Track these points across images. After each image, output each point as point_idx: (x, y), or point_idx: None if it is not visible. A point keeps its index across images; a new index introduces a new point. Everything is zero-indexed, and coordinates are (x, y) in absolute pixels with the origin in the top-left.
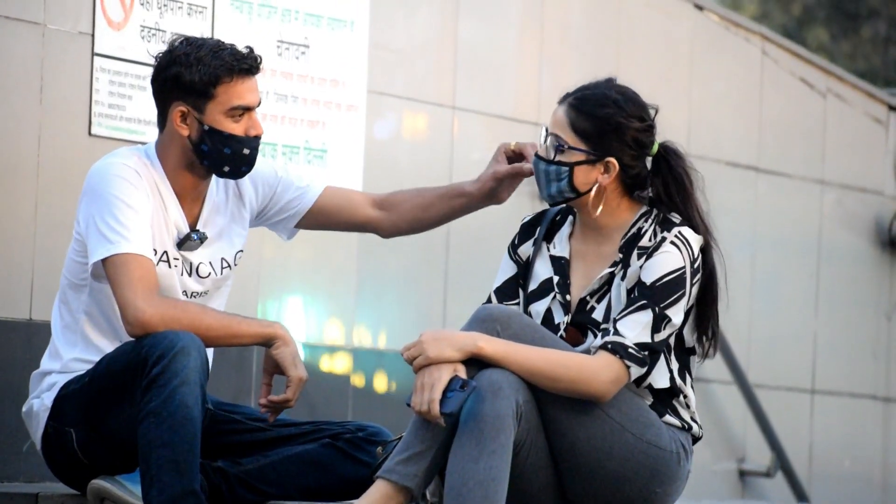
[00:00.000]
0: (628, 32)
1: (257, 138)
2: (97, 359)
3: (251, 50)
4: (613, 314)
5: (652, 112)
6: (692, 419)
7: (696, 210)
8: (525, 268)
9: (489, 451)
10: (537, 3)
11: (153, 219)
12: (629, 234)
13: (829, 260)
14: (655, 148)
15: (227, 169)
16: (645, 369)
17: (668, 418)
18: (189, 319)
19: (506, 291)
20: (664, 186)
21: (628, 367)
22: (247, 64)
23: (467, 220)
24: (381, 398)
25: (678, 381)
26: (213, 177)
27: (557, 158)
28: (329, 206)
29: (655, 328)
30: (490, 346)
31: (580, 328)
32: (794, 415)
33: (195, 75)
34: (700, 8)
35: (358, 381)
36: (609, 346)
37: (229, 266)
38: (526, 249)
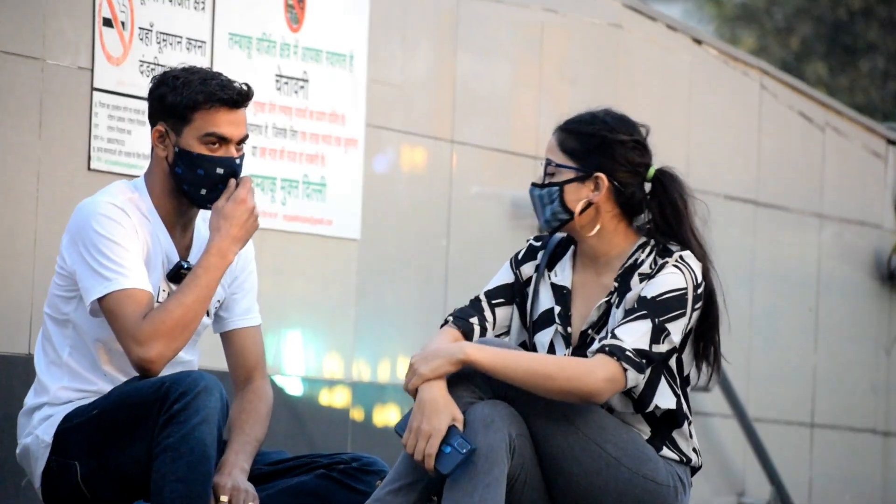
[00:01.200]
0: (627, 66)
1: (231, 159)
2: (85, 387)
3: (246, 85)
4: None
5: (643, 131)
6: (693, 450)
7: (692, 234)
8: (523, 286)
9: (483, 484)
10: (536, 38)
11: (146, 252)
12: (626, 265)
13: (828, 294)
14: (652, 172)
15: (203, 192)
16: (641, 377)
17: (666, 452)
18: (187, 336)
19: (496, 294)
20: (660, 210)
21: (625, 370)
22: (228, 94)
23: (465, 254)
24: (380, 432)
25: (684, 405)
26: (202, 216)
27: (548, 181)
28: (237, 342)
29: (654, 339)
30: (480, 353)
31: None
32: (794, 449)
33: (177, 98)
34: (699, 42)
35: (357, 414)
36: (606, 348)
37: (206, 312)
38: (528, 269)
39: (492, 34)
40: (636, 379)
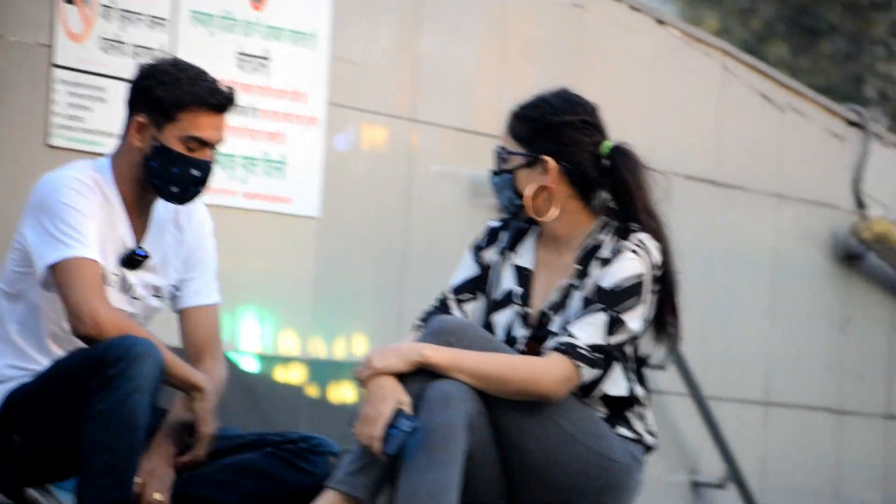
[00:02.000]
0: (589, 47)
1: (207, 162)
2: (30, 365)
3: (230, 90)
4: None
5: (591, 109)
6: (647, 430)
7: (646, 212)
8: (486, 271)
9: (440, 461)
10: (499, 17)
11: (102, 231)
12: (587, 245)
13: (786, 274)
14: (606, 148)
15: (174, 189)
16: (597, 371)
17: (621, 430)
18: (137, 332)
19: (462, 289)
20: (613, 188)
21: (579, 368)
22: (216, 100)
23: (424, 232)
24: (335, 409)
25: (637, 389)
26: (161, 203)
27: (501, 167)
28: (189, 321)
29: (609, 331)
30: (436, 354)
31: (541, 342)
32: (748, 427)
33: (164, 94)
34: (661, 23)
35: (312, 391)
36: (560, 346)
37: (159, 296)
38: (490, 255)
39: (455, 13)
40: (591, 374)
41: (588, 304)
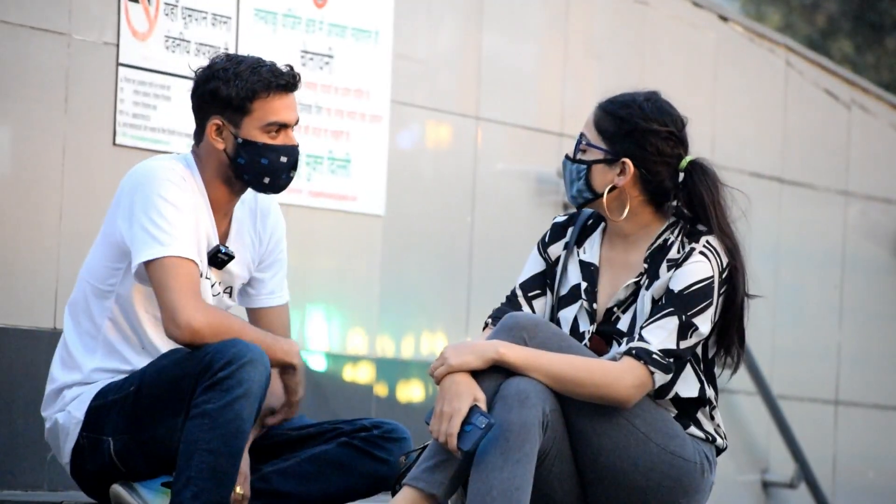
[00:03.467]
0: (652, 43)
1: (293, 147)
2: (120, 366)
3: (291, 68)
4: (638, 324)
5: (680, 122)
6: (716, 431)
7: (719, 230)
8: (552, 267)
9: (514, 460)
10: (561, 15)
11: (194, 227)
12: (655, 245)
13: (853, 271)
14: (684, 163)
15: (266, 180)
16: (669, 377)
17: (693, 430)
18: (235, 333)
19: (530, 286)
20: (688, 202)
21: (652, 374)
22: (284, 80)
23: (491, 229)
24: (403, 407)
25: (707, 390)
26: (245, 205)
27: (579, 157)
28: (261, 321)
29: (681, 335)
30: (511, 352)
31: (605, 338)
32: (818, 426)
33: (232, 90)
34: (725, 19)
35: (381, 390)
36: (633, 351)
37: (230, 294)
38: (555, 250)
39: (517, 10)
40: (664, 379)
41: (657, 305)
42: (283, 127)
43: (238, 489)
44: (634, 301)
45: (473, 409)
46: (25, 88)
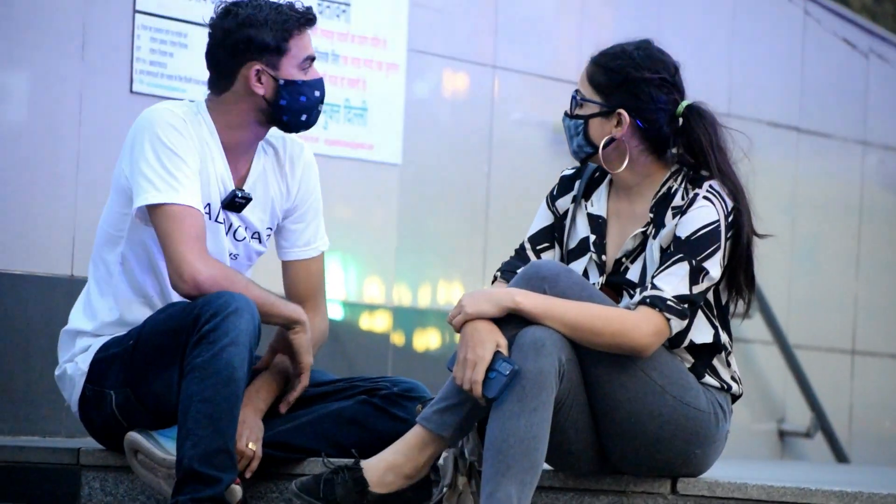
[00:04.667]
0: None
1: (322, 80)
2: (128, 317)
3: (301, 2)
4: (649, 273)
5: (673, 68)
6: (732, 378)
7: (719, 173)
8: (561, 220)
9: (531, 408)
10: None
11: (201, 171)
12: (659, 194)
13: (871, 221)
14: (681, 108)
15: (304, 117)
16: (685, 322)
17: (707, 379)
18: (238, 288)
19: (539, 239)
20: (687, 148)
21: (668, 320)
22: (309, 15)
23: (508, 178)
24: (420, 356)
25: (721, 335)
26: (273, 149)
27: (575, 112)
28: (292, 273)
29: (693, 280)
30: (528, 301)
31: (615, 289)
32: (834, 376)
33: (268, 34)
34: None
35: (398, 339)
36: (647, 300)
37: (259, 239)
38: (563, 203)
39: None
40: (681, 325)
41: (665, 253)
42: (312, 60)
43: (251, 445)
44: (642, 251)
45: (496, 356)
46: (42, 37)
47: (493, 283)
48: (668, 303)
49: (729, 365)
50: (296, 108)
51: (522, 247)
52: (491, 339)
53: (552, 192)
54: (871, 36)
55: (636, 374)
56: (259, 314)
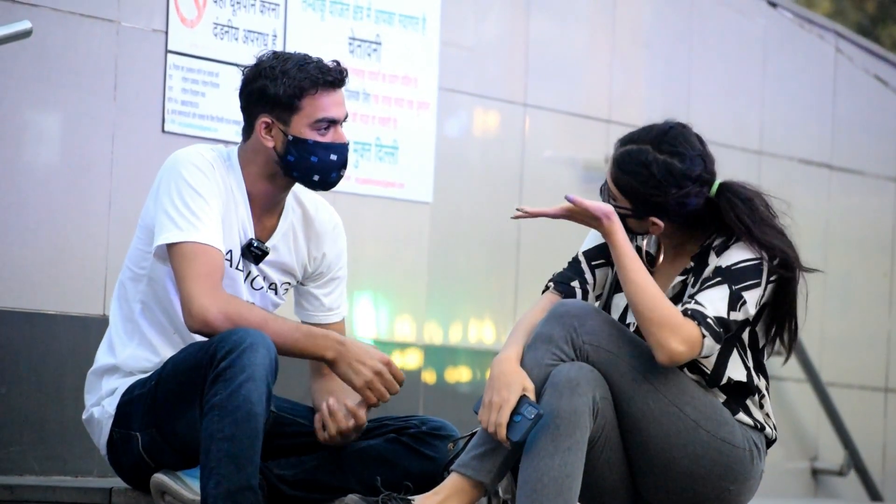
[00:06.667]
0: (700, 30)
1: (343, 145)
2: (152, 357)
3: (338, 63)
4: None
5: (699, 166)
6: (765, 420)
7: (762, 233)
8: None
9: (565, 447)
10: (609, 1)
11: (224, 217)
12: (702, 248)
13: None
14: (713, 191)
15: (316, 178)
16: (716, 346)
17: (741, 416)
18: (253, 322)
19: (594, 255)
20: (724, 220)
21: (703, 337)
22: (332, 76)
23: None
24: (451, 394)
25: (754, 377)
26: (302, 210)
27: (612, 203)
28: None
29: (731, 306)
30: (620, 237)
31: None
32: (868, 414)
33: (280, 88)
34: (773, 5)
35: (429, 377)
36: (689, 312)
37: (275, 291)
38: None
39: None
40: (711, 349)
41: (705, 282)
42: (332, 123)
43: (350, 423)
44: (682, 297)
45: (522, 399)
46: (75, 76)
47: (543, 292)
48: (708, 320)
49: (762, 407)
50: (305, 166)
51: (576, 259)
52: (517, 382)
53: None
54: None
55: (669, 410)
56: (284, 348)
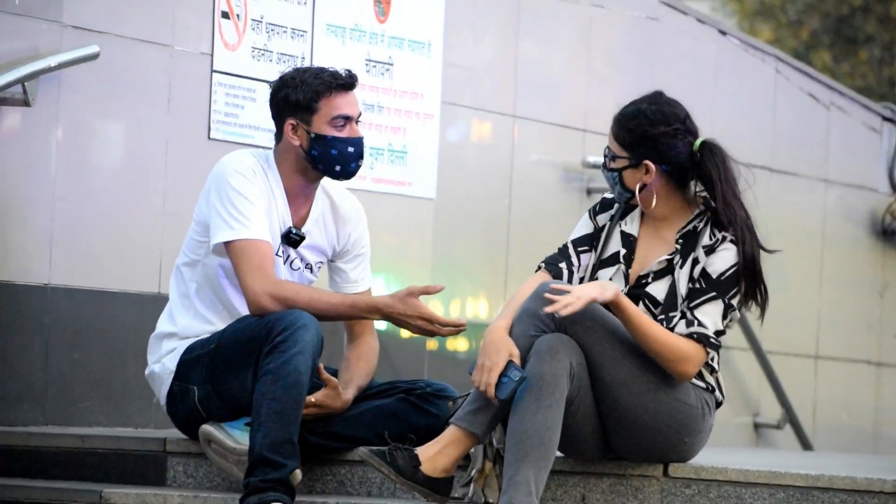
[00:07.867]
0: (662, 53)
1: (358, 138)
2: (206, 326)
3: (348, 71)
4: (681, 294)
5: (682, 114)
6: (716, 383)
7: (724, 197)
8: (599, 232)
9: (546, 405)
10: (585, 27)
11: (267, 212)
12: (686, 229)
13: (831, 246)
14: (696, 146)
15: (338, 168)
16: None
17: (695, 380)
18: (301, 302)
19: (580, 243)
20: (700, 180)
21: (708, 353)
22: (343, 80)
23: (525, 212)
24: (451, 360)
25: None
26: (329, 200)
27: (610, 166)
28: None
29: (724, 316)
30: (624, 300)
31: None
32: (801, 376)
33: (300, 94)
34: (723, 33)
35: (432, 345)
36: (695, 336)
37: (311, 269)
38: (602, 218)
39: (549, 25)
40: (712, 354)
41: (695, 286)
42: (347, 120)
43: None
44: (666, 274)
45: (510, 364)
46: (134, 92)
47: (536, 271)
48: (711, 339)
49: (713, 372)
50: (328, 159)
51: (566, 246)
52: (505, 349)
53: (594, 207)
54: (831, 91)
55: (635, 375)
56: (337, 315)
